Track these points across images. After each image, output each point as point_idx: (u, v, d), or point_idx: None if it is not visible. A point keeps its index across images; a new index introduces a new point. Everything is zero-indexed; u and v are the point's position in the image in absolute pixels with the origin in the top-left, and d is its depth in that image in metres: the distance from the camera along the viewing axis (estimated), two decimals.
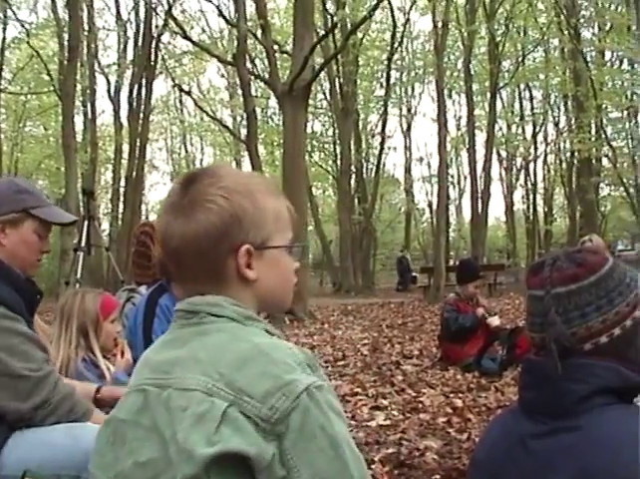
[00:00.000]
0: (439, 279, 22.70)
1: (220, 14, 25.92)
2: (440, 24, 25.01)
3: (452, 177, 45.97)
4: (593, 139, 30.77)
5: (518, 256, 42.64)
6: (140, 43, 31.69)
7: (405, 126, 43.82)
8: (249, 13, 23.70)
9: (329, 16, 29.60)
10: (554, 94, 39.40)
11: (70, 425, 3.02)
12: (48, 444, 2.95)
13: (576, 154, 32.68)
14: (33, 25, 31.95)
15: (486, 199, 33.03)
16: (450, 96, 41.96)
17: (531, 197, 43.02)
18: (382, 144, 37.66)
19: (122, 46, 35.20)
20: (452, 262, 32.75)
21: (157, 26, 29.82)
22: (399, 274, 34.91)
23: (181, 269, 1.62)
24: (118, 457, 1.54)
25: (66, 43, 24.66)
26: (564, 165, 40.07)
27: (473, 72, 33.77)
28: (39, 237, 3.27)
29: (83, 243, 10.44)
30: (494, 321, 9.19)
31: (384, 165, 42.79)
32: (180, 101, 45.17)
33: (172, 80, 34.48)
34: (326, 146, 40.80)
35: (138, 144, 30.55)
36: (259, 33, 22.08)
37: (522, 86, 39.83)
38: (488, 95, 33.88)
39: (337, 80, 33.03)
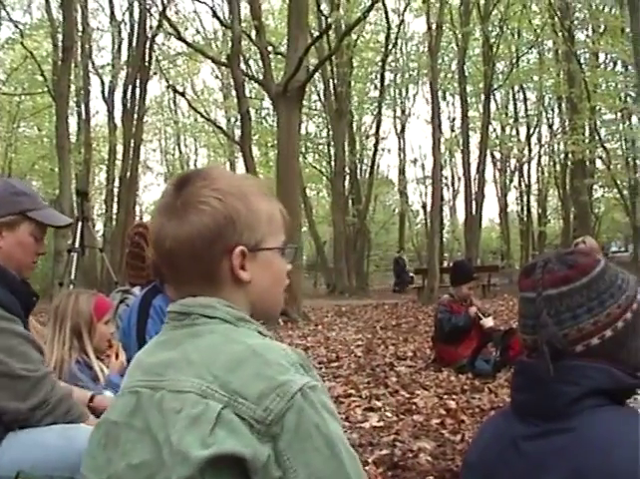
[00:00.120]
0: (432, 281, 22.71)
1: (215, 15, 25.92)
2: (434, 25, 25.05)
3: (446, 178, 45.99)
4: (587, 140, 30.85)
5: (512, 258, 42.65)
6: (134, 44, 31.66)
7: (399, 127, 43.85)
8: (244, 14, 23.67)
9: (323, 17, 29.55)
10: (548, 96, 39.50)
11: (63, 426, 3.03)
12: (41, 445, 2.96)
13: (570, 155, 32.76)
14: (27, 25, 31.83)
15: (480, 200, 33.05)
16: (444, 97, 42.05)
17: (525, 198, 43.08)
18: (376, 145, 37.72)
19: (116, 47, 35.12)
20: (446, 264, 32.79)
21: (151, 27, 29.74)
22: (395, 275, 34.87)
23: (175, 271, 1.62)
24: (110, 459, 1.54)
25: (60, 44, 24.63)
26: (558, 166, 40.14)
27: (467, 73, 33.78)
28: (35, 239, 3.28)
29: (77, 244, 10.45)
30: (488, 323, 9.20)
31: (378, 166, 42.91)
32: (174, 102, 45.17)
33: (167, 81, 34.48)
34: (320, 147, 40.84)
35: (132, 145, 30.50)
36: (253, 34, 22.05)
37: (516, 87, 39.90)
38: (483, 96, 33.91)
39: (331, 81, 33.06)
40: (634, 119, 32.54)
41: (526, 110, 42.22)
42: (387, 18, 33.36)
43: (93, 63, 35.08)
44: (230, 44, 20.72)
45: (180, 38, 23.70)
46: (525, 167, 43.02)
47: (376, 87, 38.95)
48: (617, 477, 1.55)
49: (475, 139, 37.03)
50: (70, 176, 23.58)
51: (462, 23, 30.96)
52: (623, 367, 1.72)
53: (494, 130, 40.06)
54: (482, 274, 22.69)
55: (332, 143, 35.38)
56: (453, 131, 44.14)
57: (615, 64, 35.22)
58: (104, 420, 1.62)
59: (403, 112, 43.67)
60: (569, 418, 1.67)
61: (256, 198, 1.63)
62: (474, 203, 32.69)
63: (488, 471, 1.81)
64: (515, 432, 1.76)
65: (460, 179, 44.24)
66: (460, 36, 31.21)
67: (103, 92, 35.31)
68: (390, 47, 35.18)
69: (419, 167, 49.45)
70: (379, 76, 36.83)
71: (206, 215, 1.55)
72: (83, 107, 34.28)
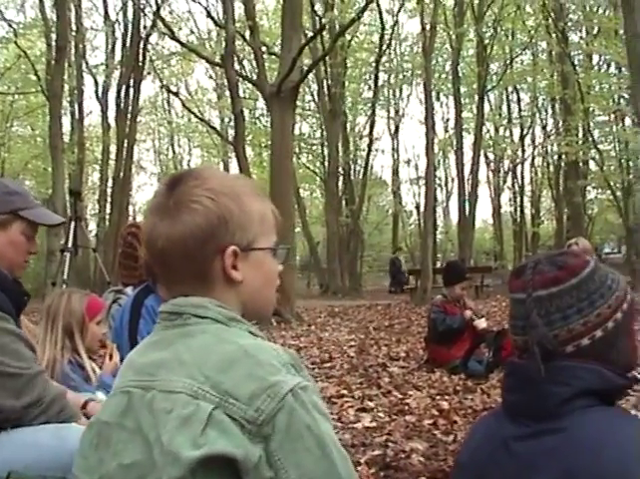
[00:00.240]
0: (426, 282, 22.66)
1: (209, 15, 25.87)
2: (428, 26, 24.98)
3: (439, 179, 45.96)
4: (580, 142, 30.82)
5: (505, 259, 42.61)
6: (128, 44, 31.55)
7: (393, 128, 43.73)
8: (238, 14, 23.61)
9: (317, 18, 29.53)
10: (542, 97, 39.46)
11: (56, 426, 3.03)
12: (34, 445, 2.95)
13: (563, 157, 32.74)
14: (20, 25, 31.70)
15: (474, 201, 33.00)
16: (437, 98, 41.99)
17: (519, 199, 43.05)
18: (370, 146, 37.65)
19: (110, 46, 34.98)
20: (439, 265, 32.76)
21: (145, 27, 29.68)
22: (391, 276, 34.79)
23: (167, 271, 1.62)
24: (102, 459, 1.55)
25: (53, 43, 24.54)
26: (551, 167, 40.10)
27: (460, 74, 33.69)
28: (27, 238, 3.28)
29: (70, 244, 10.45)
30: (481, 324, 9.21)
31: (371, 167, 42.80)
32: (168, 102, 45.05)
33: (160, 81, 34.38)
34: (314, 147, 40.75)
35: (125, 145, 30.41)
36: (247, 34, 22.02)
37: (510, 89, 39.84)
38: (476, 97, 33.81)
39: (325, 82, 32.99)
40: (627, 120, 32.54)
41: (520, 111, 42.21)
42: (381, 19, 33.35)
43: (86, 63, 34.95)
44: (224, 44, 20.68)
45: (174, 38, 23.69)
46: (519, 168, 43.03)
47: (370, 87, 38.91)
48: (606, 478, 1.56)
49: (468, 139, 37.02)
50: (63, 175, 23.54)
51: (456, 24, 30.91)
52: (613, 368, 1.73)
53: (488, 131, 40.04)
54: (476, 275, 22.70)
55: (326, 143, 35.28)
56: (446, 131, 44.12)
57: (609, 65, 35.19)
58: (96, 420, 1.62)
59: (397, 112, 43.63)
60: (560, 419, 1.68)
61: (249, 198, 1.64)
62: (467, 203, 32.65)
63: (480, 471, 1.82)
64: (506, 433, 1.77)
65: (453, 179, 44.22)
66: (454, 37, 31.15)
67: (96, 92, 35.18)
68: (384, 47, 35.12)
69: (412, 167, 49.34)
70: (373, 76, 36.74)
71: (199, 214, 1.56)
72: (76, 106, 34.17)
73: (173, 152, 49.70)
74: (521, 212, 42.53)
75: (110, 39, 34.88)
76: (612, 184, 30.50)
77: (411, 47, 41.01)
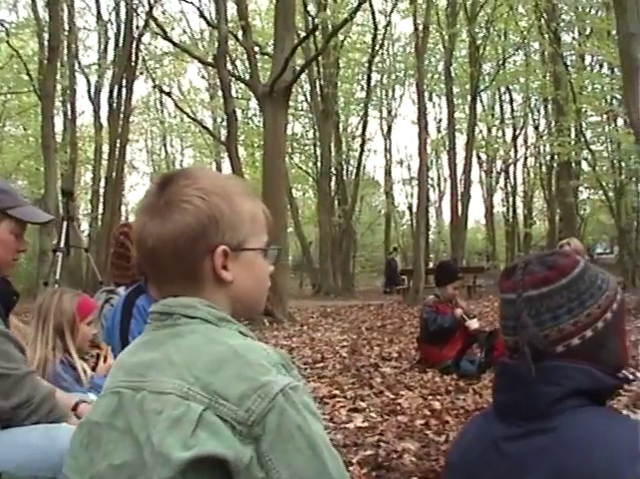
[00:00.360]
0: (418, 282, 22.68)
1: (201, 15, 25.81)
2: (421, 27, 24.99)
3: (432, 179, 46.02)
4: (573, 142, 30.86)
5: (498, 259, 42.67)
6: (120, 43, 31.51)
7: (385, 128, 43.81)
8: (230, 14, 23.59)
9: (310, 18, 29.56)
10: (534, 97, 39.50)
11: (46, 426, 3.02)
12: (25, 446, 2.94)
13: (556, 157, 32.81)
14: (13, 24, 31.63)
15: (466, 201, 33.02)
16: (430, 98, 42.08)
17: (511, 199, 43.16)
18: (362, 146, 37.70)
19: (102, 46, 34.99)
20: (431, 265, 32.78)
21: (137, 27, 29.67)
22: (387, 277, 34.78)
23: (157, 270, 1.62)
24: (92, 460, 1.54)
25: (46, 43, 24.52)
26: (544, 168, 40.15)
27: (453, 75, 33.73)
28: (15, 236, 3.26)
29: (62, 244, 10.43)
30: (473, 324, 9.21)
31: (364, 167, 42.80)
32: (161, 102, 45.07)
33: (153, 81, 34.41)
34: (306, 148, 40.76)
35: (118, 144, 30.37)
36: (240, 34, 22.01)
37: (503, 89, 39.95)
38: (469, 98, 33.85)
39: (318, 82, 33.00)
40: (620, 121, 32.57)
41: (513, 111, 42.30)
42: (374, 19, 33.39)
43: (79, 62, 34.87)
44: (217, 44, 20.65)
45: (167, 38, 23.68)
46: (511, 168, 43.16)
47: (362, 88, 38.97)
48: (597, 478, 1.56)
49: (461, 140, 37.09)
50: (55, 175, 23.52)
51: (448, 24, 30.98)
52: (603, 367, 1.73)
53: (481, 131, 40.12)
54: (468, 276, 22.72)
55: (318, 143, 35.31)
56: (439, 132, 44.19)
57: (601, 66, 35.21)
58: (86, 420, 1.62)
59: (389, 113, 43.69)
60: (550, 419, 1.68)
61: (240, 198, 1.63)
62: (459, 204, 32.67)
63: (470, 472, 1.82)
64: (497, 433, 1.77)
65: (446, 180, 44.31)
66: (446, 37, 31.18)
67: (89, 91, 35.13)
68: (377, 48, 35.20)
69: (405, 168, 49.36)
70: (365, 77, 36.84)
71: (189, 214, 1.55)
72: (69, 106, 34.12)
73: (166, 152, 49.71)
74: (514, 212, 42.65)
75: (102, 39, 34.92)
76: (604, 184, 30.53)
77: (403, 47, 41.19)
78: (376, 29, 33.66)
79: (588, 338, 1.74)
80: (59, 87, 29.25)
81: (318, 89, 33.06)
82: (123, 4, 30.15)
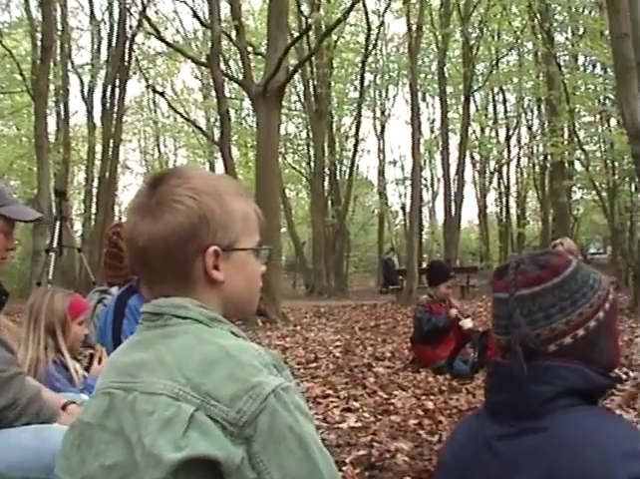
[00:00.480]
0: (411, 282, 22.67)
1: (195, 15, 25.86)
2: (414, 27, 24.97)
3: (425, 179, 45.93)
4: (566, 142, 30.87)
5: (491, 259, 42.70)
6: (113, 43, 31.47)
7: (379, 128, 43.84)
8: (224, 14, 23.56)
9: (303, 18, 29.54)
10: (528, 97, 39.50)
11: (38, 427, 3.01)
12: (16, 446, 2.94)
13: (549, 157, 32.85)
14: (5, 24, 31.64)
15: (460, 201, 33.05)
16: (423, 99, 42.05)
17: (504, 199, 43.25)
18: (355, 146, 37.69)
19: (95, 46, 34.98)
20: (424, 265, 32.79)
21: (130, 26, 29.65)
22: (384, 277, 34.72)
23: (148, 270, 1.62)
24: (84, 460, 1.54)
25: (39, 43, 24.47)
26: (537, 168, 40.19)
27: (446, 75, 33.77)
28: (4, 234, 3.25)
29: (55, 244, 10.40)
30: (467, 324, 9.21)
31: (357, 167, 42.80)
32: (154, 102, 45.02)
33: (146, 80, 34.43)
34: (300, 148, 40.71)
35: (111, 144, 30.33)
36: (234, 34, 22.04)
37: (496, 89, 39.99)
38: (462, 98, 33.90)
39: (311, 82, 32.99)
40: (613, 121, 32.58)
41: (506, 111, 42.38)
42: (367, 19, 33.37)
43: (72, 62, 34.79)
44: (210, 44, 20.62)
45: (160, 38, 23.68)
46: (505, 168, 43.21)
47: (356, 88, 38.99)
48: (588, 477, 1.56)
49: (454, 140, 37.10)
50: (48, 175, 23.46)
51: (442, 24, 30.99)
52: (596, 367, 1.74)
53: (474, 131, 40.18)
54: (461, 276, 22.76)
55: (312, 143, 35.28)
56: (432, 132, 44.20)
57: (594, 66, 35.26)
58: (78, 421, 1.62)
59: (382, 113, 43.72)
60: (542, 418, 1.68)
61: (231, 197, 1.63)
62: (453, 204, 32.70)
63: (462, 471, 1.82)
64: (489, 432, 1.77)
65: (439, 180, 44.22)
66: (440, 37, 31.22)
67: (82, 91, 35.05)
68: (370, 48, 35.16)
69: (398, 168, 49.21)
70: (359, 77, 36.85)
71: (181, 213, 1.55)
72: (62, 106, 34.04)
73: (159, 152, 49.67)
74: (507, 212, 42.73)
75: (95, 39, 34.91)
76: (598, 184, 30.51)
77: (397, 47, 41.23)
78: (369, 29, 33.67)
79: (580, 337, 1.74)
80: (52, 87, 29.15)
81: (311, 89, 33.05)
82: (116, 4, 30.17)
